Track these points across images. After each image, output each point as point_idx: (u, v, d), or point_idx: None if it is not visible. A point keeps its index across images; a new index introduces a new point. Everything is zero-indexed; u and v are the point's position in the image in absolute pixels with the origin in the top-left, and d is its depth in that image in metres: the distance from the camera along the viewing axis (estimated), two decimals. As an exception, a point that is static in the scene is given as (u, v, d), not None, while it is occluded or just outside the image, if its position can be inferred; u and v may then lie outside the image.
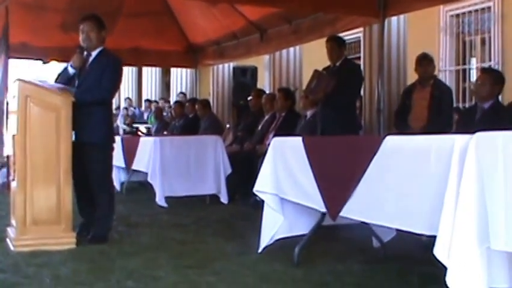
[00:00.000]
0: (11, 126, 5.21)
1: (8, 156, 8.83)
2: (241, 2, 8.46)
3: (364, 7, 7.20)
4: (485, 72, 6.04)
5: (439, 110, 6.13)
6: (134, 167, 8.45)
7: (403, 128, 6.25)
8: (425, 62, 6.33)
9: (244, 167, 7.75)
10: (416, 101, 6.33)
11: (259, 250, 4.52)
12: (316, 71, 6.71)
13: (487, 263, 2.62)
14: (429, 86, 6.28)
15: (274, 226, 4.50)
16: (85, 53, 5.26)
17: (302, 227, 4.53)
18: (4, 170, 9.38)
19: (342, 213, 3.69)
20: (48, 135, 4.84)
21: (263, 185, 4.53)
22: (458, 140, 2.74)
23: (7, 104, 7.08)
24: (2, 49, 8.54)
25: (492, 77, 5.51)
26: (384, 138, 3.43)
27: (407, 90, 6.67)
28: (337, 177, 3.74)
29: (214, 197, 7.77)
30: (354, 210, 3.60)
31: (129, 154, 8.56)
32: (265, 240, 4.52)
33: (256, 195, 4.81)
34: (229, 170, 7.79)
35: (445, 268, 2.65)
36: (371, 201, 3.43)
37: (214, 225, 6.11)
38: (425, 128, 5.90)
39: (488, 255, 2.63)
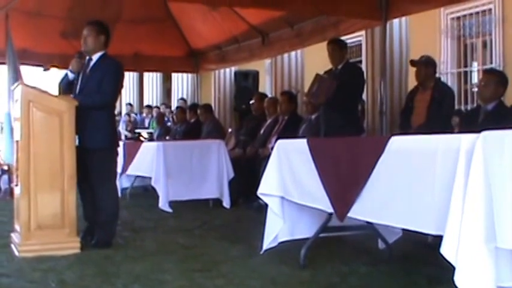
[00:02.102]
0: (15, 132, 5.21)
1: (8, 164, 8.87)
2: (241, 5, 8.36)
3: (366, 10, 7.22)
4: (488, 73, 6.00)
5: (439, 111, 6.07)
6: (130, 172, 8.48)
7: (405, 128, 6.22)
8: (418, 65, 6.24)
9: (247, 171, 7.75)
10: (418, 103, 6.27)
11: (262, 251, 4.52)
12: (317, 75, 6.69)
13: (494, 262, 2.62)
14: (430, 88, 6.21)
15: (275, 229, 4.51)
16: (86, 57, 5.27)
17: (302, 231, 4.55)
18: (5, 176, 9.40)
19: (349, 214, 3.68)
20: (51, 140, 4.83)
21: (267, 188, 4.52)
22: (465, 139, 2.73)
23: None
24: (10, 57, 8.55)
25: (496, 78, 5.43)
26: (388, 139, 3.43)
27: (411, 92, 6.63)
28: (344, 178, 3.74)
29: (218, 201, 7.77)
30: (361, 211, 3.60)
31: (128, 159, 8.55)
32: (267, 241, 4.52)
33: (260, 199, 4.80)
34: (231, 174, 7.79)
35: (452, 268, 2.65)
36: (378, 201, 3.42)
37: (219, 229, 6.11)
38: (422, 125, 5.86)
39: (495, 254, 2.63)
